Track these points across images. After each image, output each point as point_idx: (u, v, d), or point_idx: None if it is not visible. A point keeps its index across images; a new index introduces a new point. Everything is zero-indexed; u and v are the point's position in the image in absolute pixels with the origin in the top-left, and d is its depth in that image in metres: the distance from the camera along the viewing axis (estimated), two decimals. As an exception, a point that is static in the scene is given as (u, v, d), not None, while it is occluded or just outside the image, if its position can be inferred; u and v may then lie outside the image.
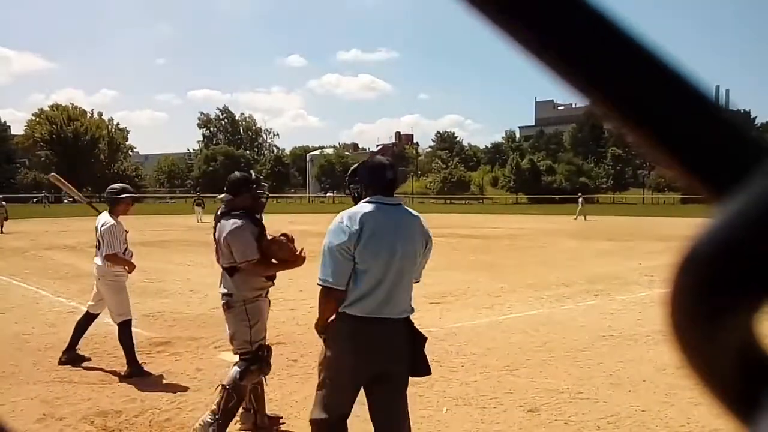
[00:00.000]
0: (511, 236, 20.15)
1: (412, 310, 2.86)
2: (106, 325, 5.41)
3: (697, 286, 0.25)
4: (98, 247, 5.16)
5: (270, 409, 4.12)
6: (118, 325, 5.06)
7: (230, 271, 3.78)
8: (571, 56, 0.27)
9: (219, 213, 3.88)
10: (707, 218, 0.25)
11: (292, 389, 4.57)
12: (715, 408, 0.27)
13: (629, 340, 6.04)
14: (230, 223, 3.73)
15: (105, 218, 5.13)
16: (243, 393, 3.76)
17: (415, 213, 2.87)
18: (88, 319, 5.42)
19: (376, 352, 2.75)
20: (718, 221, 0.24)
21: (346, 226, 2.66)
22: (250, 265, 3.67)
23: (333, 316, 2.78)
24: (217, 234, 3.81)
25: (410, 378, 2.93)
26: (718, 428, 3.68)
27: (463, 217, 34.35)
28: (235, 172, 4.05)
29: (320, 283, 2.71)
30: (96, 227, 5.18)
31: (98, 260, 5.13)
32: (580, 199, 32.13)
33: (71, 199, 56.81)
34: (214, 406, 3.70)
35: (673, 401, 4.25)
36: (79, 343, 5.37)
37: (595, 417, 4.03)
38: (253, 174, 4.04)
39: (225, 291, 3.81)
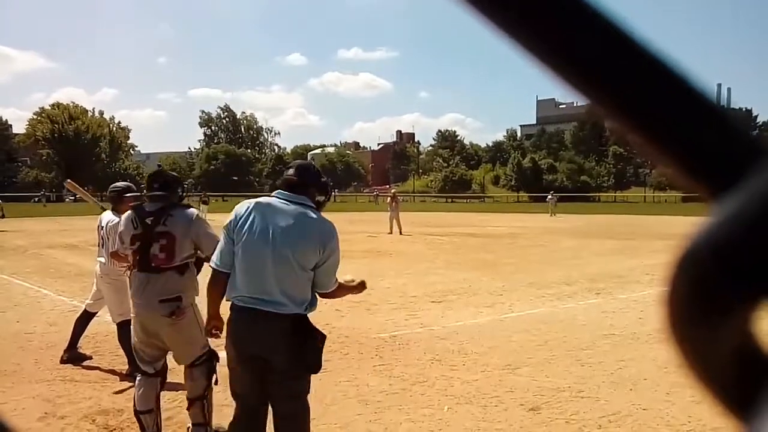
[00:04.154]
0: (512, 235, 20.13)
1: (305, 308, 2.79)
2: (107, 323, 5.42)
3: (695, 285, 0.25)
4: (101, 246, 5.16)
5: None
6: (117, 325, 5.06)
7: (182, 269, 3.47)
8: (570, 55, 0.27)
9: (159, 208, 3.52)
10: (705, 217, 0.25)
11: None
12: (715, 407, 0.27)
13: (630, 339, 6.04)
14: (195, 213, 3.57)
15: (109, 216, 5.13)
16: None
17: (313, 215, 2.81)
18: (87, 317, 5.43)
19: (245, 341, 2.77)
20: (716, 220, 0.25)
21: (236, 210, 2.84)
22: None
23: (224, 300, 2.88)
24: (169, 227, 3.45)
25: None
26: (719, 426, 3.68)
27: (465, 216, 34.33)
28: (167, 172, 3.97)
29: (210, 265, 2.90)
30: (100, 225, 5.19)
31: (102, 258, 5.13)
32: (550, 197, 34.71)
33: (73, 197, 57.02)
34: (200, 420, 3.53)
35: (674, 400, 4.25)
36: (80, 341, 5.38)
37: (597, 415, 4.03)
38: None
39: (170, 296, 3.42)
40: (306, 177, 2.90)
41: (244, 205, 2.84)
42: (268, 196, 2.92)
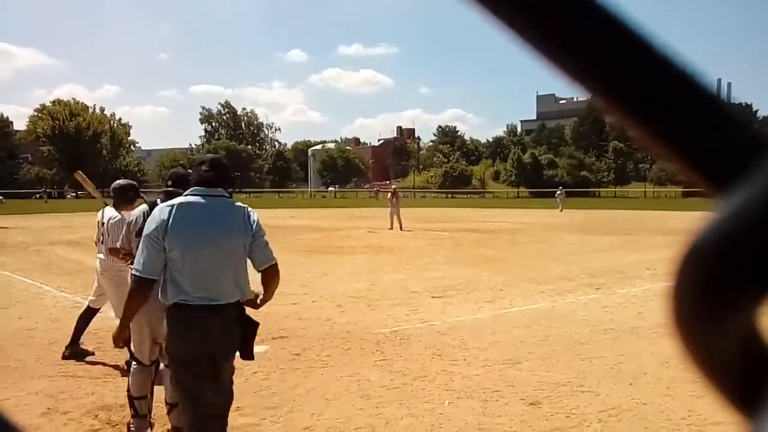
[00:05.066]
0: (512, 230, 20.11)
1: (243, 295, 2.88)
2: (110, 319, 5.42)
3: (700, 280, 0.25)
4: (101, 242, 5.17)
5: (273, 403, 4.15)
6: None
7: None
8: (573, 49, 0.27)
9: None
10: (709, 212, 0.25)
11: (295, 383, 4.59)
12: (717, 401, 0.27)
13: (630, 334, 6.04)
14: None
15: (111, 212, 5.13)
16: None
17: (239, 204, 2.93)
18: (89, 313, 5.44)
19: (205, 339, 2.77)
20: (721, 215, 0.25)
21: (158, 216, 2.78)
22: None
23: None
24: None
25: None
26: (719, 421, 3.68)
27: (465, 212, 34.31)
28: (178, 168, 3.91)
29: (133, 273, 2.84)
30: (100, 221, 5.19)
31: (102, 255, 5.14)
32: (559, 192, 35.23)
33: (75, 194, 57.02)
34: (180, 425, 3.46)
35: (674, 394, 4.26)
36: (83, 337, 5.39)
37: (597, 410, 4.05)
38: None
39: None
40: (220, 171, 2.97)
41: (164, 211, 2.78)
42: (183, 195, 2.90)
